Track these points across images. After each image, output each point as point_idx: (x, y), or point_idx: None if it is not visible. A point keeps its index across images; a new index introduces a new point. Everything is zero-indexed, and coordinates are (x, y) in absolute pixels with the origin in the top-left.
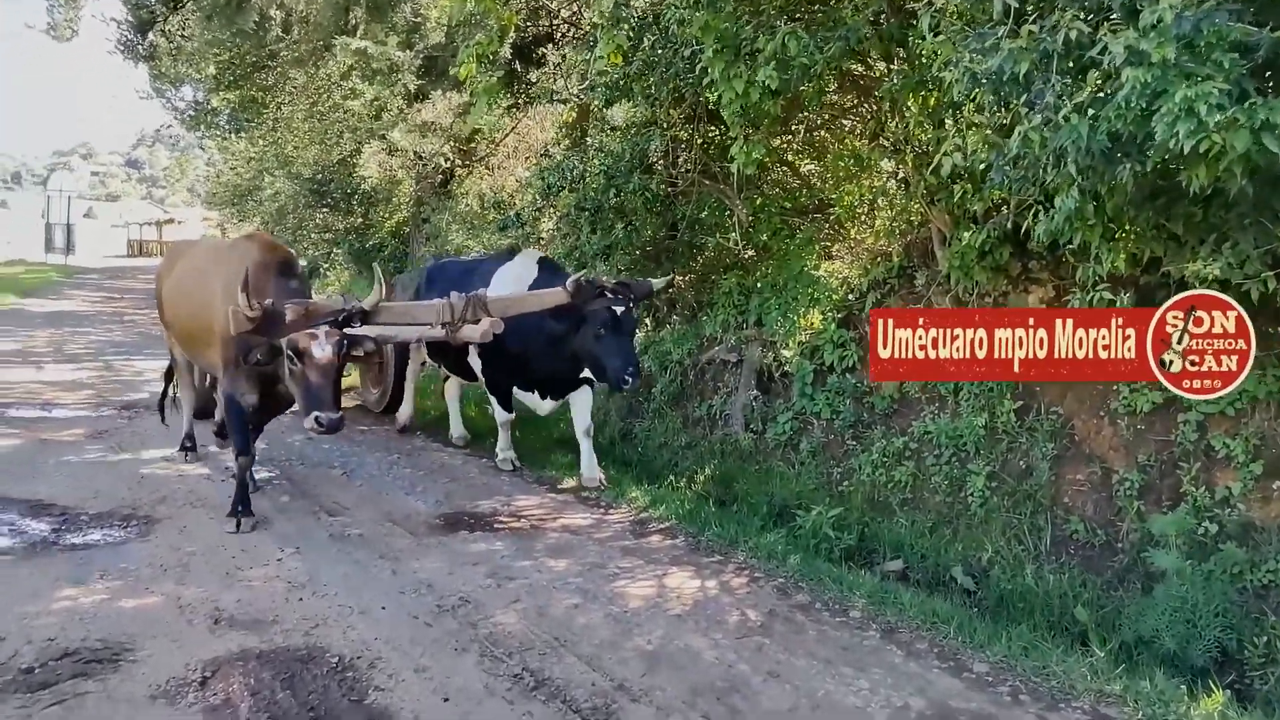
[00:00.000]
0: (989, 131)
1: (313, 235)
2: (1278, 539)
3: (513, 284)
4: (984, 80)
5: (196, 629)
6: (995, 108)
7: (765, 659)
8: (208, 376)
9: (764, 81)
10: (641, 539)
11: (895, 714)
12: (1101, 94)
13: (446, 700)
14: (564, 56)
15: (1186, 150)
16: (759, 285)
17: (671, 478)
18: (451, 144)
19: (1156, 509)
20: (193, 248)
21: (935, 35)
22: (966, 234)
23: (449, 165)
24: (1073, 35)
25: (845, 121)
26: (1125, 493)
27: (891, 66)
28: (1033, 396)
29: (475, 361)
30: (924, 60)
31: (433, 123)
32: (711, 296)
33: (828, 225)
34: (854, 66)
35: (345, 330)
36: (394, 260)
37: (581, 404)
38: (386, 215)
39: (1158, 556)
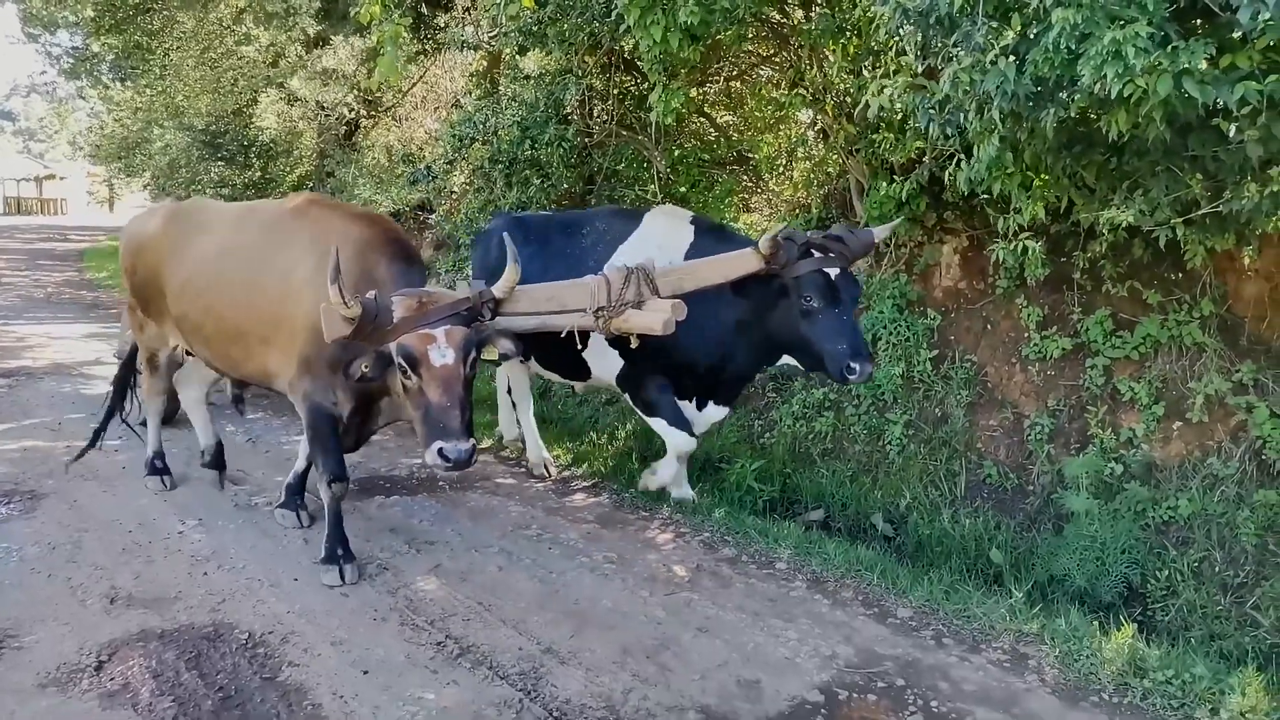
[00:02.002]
0: (913, 76)
1: (208, 191)
2: (1178, 477)
3: (656, 252)
4: (913, 19)
5: (90, 610)
6: (920, 51)
7: (694, 615)
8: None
9: (686, 22)
10: (565, 498)
11: (823, 663)
12: (1028, 37)
13: (366, 673)
14: (474, 1)
15: (1114, 93)
16: None
17: (593, 435)
18: (355, 93)
19: (1066, 452)
20: (218, 214)
21: None
22: (885, 184)
23: (354, 116)
24: None
25: (764, 70)
26: (1036, 437)
27: (810, 13)
28: (948, 345)
29: (603, 359)
30: (844, 5)
31: (335, 70)
32: None
33: (746, 177)
34: (772, 12)
35: (474, 326)
36: None
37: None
38: (287, 169)
39: (1068, 498)
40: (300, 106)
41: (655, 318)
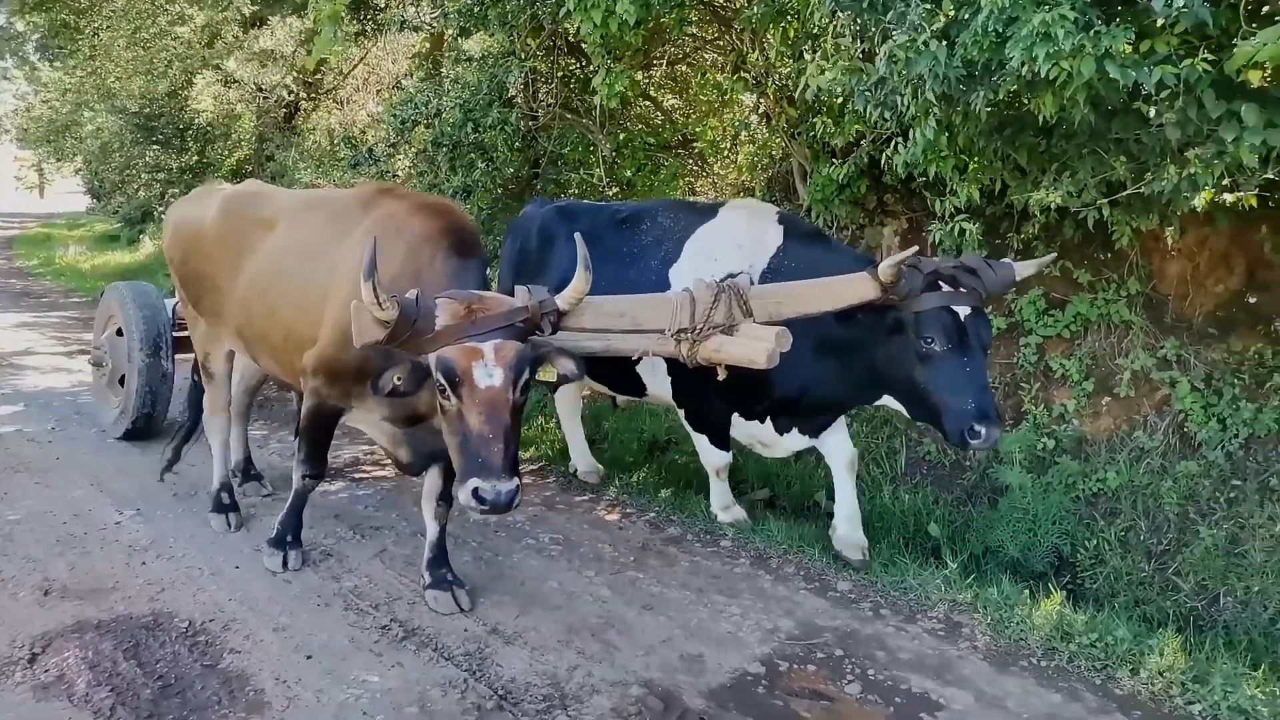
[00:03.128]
0: (850, 59)
1: (143, 176)
2: (1106, 450)
3: (734, 255)
4: (846, 4)
5: (22, 603)
6: (857, 34)
7: (639, 593)
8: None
9: (623, 13)
10: None
11: (765, 635)
12: (958, 20)
13: (309, 658)
14: None
15: (1042, 74)
16: None
17: (540, 419)
18: (295, 75)
19: (1001, 428)
20: (282, 204)
21: None
22: (826, 168)
23: (293, 98)
24: None
25: (706, 55)
26: None
27: None
28: None
29: (658, 375)
30: None
31: (273, 51)
32: None
33: (691, 160)
34: None
35: (530, 341)
36: None
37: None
38: (225, 152)
39: (1002, 472)
40: (238, 89)
41: (757, 349)
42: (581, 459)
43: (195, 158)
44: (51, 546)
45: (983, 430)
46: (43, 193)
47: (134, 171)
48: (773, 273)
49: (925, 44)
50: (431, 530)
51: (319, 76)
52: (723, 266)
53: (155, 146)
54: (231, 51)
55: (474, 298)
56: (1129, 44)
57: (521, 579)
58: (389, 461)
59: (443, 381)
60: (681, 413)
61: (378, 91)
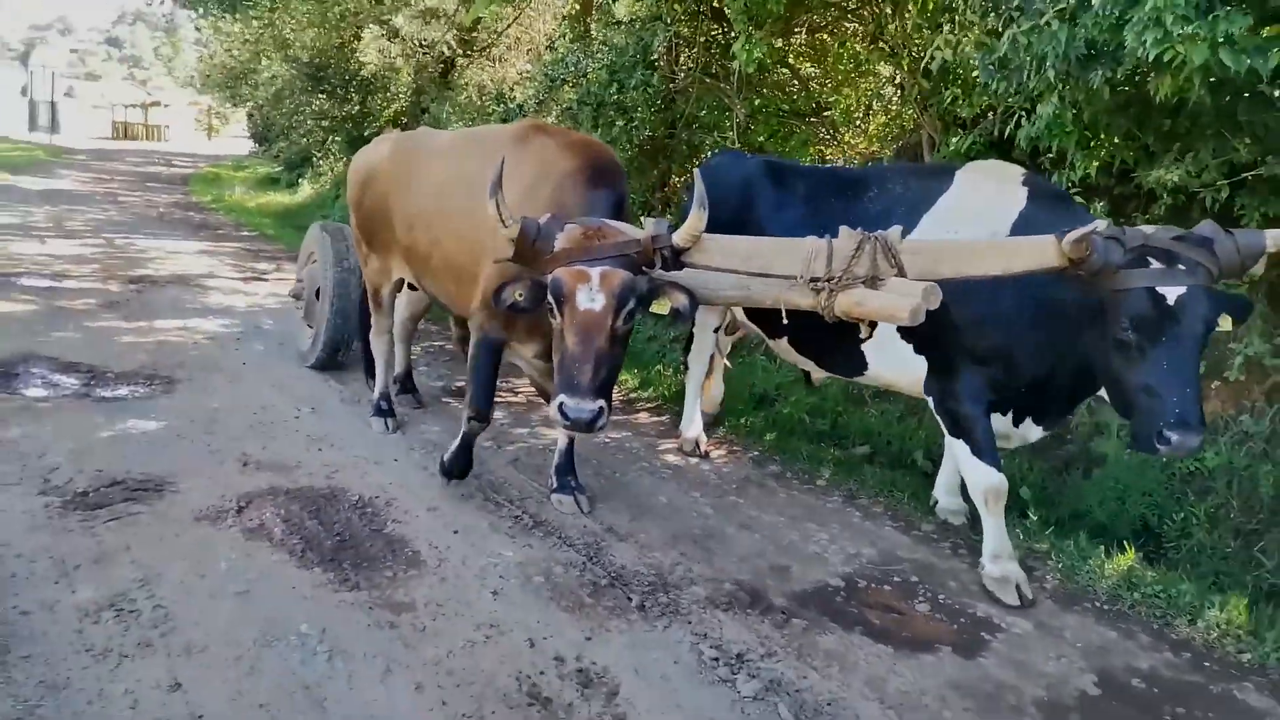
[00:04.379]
0: (979, 34)
1: (308, 122)
2: (1209, 431)
3: (973, 223)
4: None
5: (227, 470)
6: (987, 12)
7: (739, 514)
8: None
9: None
10: (629, 415)
11: (848, 559)
12: (1082, 2)
13: (456, 533)
14: None
15: (1152, 59)
16: None
17: (660, 367)
18: (454, 32)
19: (1105, 403)
20: (445, 142)
21: None
22: (954, 139)
23: (451, 54)
24: None
25: (846, 24)
26: None
27: None
28: None
29: (891, 353)
30: None
31: (436, 9)
32: None
33: (824, 128)
34: None
35: (645, 273)
36: None
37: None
38: (384, 104)
39: (1101, 444)
40: (400, 44)
41: (901, 303)
42: (689, 424)
43: (357, 107)
44: (246, 430)
45: (1174, 436)
46: (210, 135)
47: (301, 117)
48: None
49: (1048, 24)
50: (561, 441)
51: (474, 34)
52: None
53: (322, 95)
54: (399, 9)
55: (594, 225)
56: (1249, 29)
57: (635, 493)
58: (521, 391)
59: (551, 300)
60: (932, 405)
61: (528, 50)
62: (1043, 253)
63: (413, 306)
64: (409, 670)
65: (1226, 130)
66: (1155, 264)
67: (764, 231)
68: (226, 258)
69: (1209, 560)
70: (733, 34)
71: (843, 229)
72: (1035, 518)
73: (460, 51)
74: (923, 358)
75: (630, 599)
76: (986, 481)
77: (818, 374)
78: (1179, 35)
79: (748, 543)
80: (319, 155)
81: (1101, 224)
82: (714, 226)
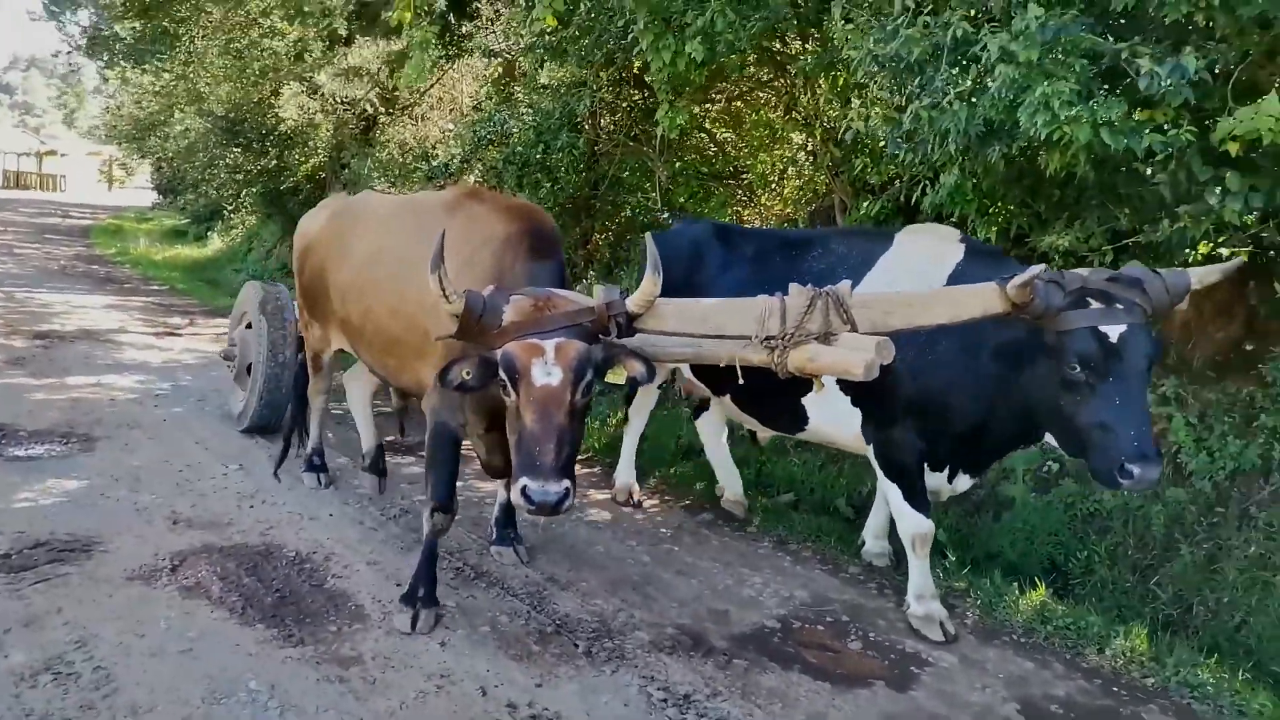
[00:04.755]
0: (886, 109)
1: (222, 175)
2: None
3: (913, 278)
4: (884, 64)
5: (157, 528)
6: (893, 90)
7: (675, 561)
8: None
9: (691, 54)
10: None
11: (782, 601)
12: (980, 85)
13: (398, 585)
14: (497, 12)
15: (1043, 138)
16: None
17: (590, 420)
18: (377, 91)
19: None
20: (377, 210)
21: (846, 21)
22: (865, 203)
23: (373, 112)
24: (959, 33)
25: (761, 94)
26: None
27: (806, 46)
28: None
29: (830, 409)
30: (835, 42)
31: (359, 67)
32: (629, 254)
33: (741, 190)
34: (773, 44)
35: (602, 342)
36: (309, 205)
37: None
38: (303, 158)
39: (1008, 488)
40: (320, 100)
41: (854, 358)
42: (730, 485)
43: (274, 161)
44: (173, 488)
45: (1136, 470)
46: (112, 186)
47: (215, 170)
48: None
49: (950, 103)
50: (500, 495)
51: (396, 93)
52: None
53: (237, 149)
54: (321, 66)
55: (543, 295)
56: (1124, 113)
57: (571, 543)
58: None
59: (504, 376)
60: (871, 454)
61: (450, 110)
62: (988, 299)
63: (371, 380)
64: None
65: (1109, 201)
66: (1095, 304)
67: (712, 291)
68: (136, 312)
69: (1110, 595)
70: (654, 100)
71: (793, 286)
72: (953, 558)
73: (383, 109)
74: (859, 410)
75: (577, 645)
76: (917, 527)
77: (763, 433)
78: (1065, 117)
79: (685, 588)
80: (230, 209)
81: (1040, 268)
82: (665, 289)
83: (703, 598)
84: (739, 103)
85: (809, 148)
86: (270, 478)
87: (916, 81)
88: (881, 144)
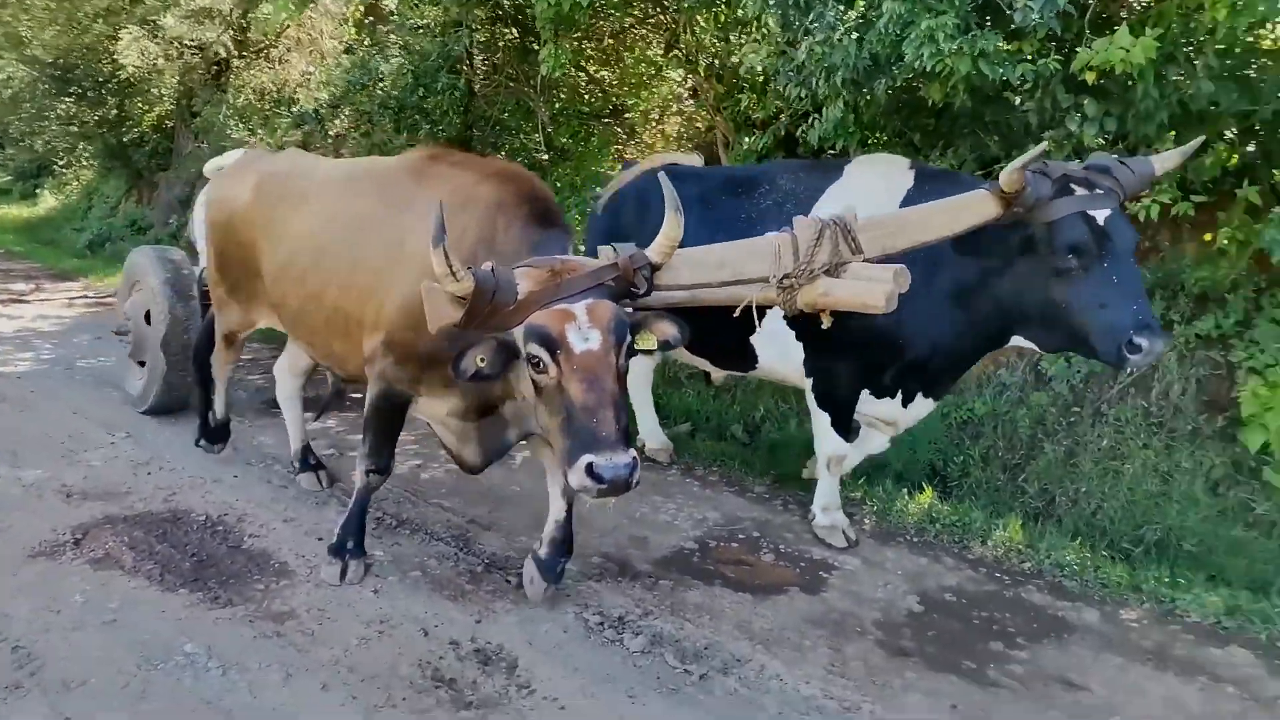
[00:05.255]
0: (776, 45)
1: (54, 128)
2: (975, 386)
3: (865, 205)
4: (773, 3)
5: (49, 503)
6: (783, 25)
7: None
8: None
9: None
10: None
11: (696, 524)
12: (867, 20)
13: (320, 540)
14: None
15: (927, 70)
16: (558, 185)
17: None
18: (229, 33)
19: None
20: (322, 177)
21: None
22: (747, 139)
23: (226, 56)
24: None
25: (641, 31)
26: None
27: None
28: None
29: (778, 345)
30: None
31: (210, 8)
32: None
33: (622, 130)
34: None
35: (630, 301)
36: (157, 157)
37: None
38: (145, 107)
39: None
40: (163, 44)
41: (873, 290)
42: (652, 435)
43: (114, 111)
44: (58, 460)
45: (1144, 342)
46: None
47: (47, 123)
48: None
49: (840, 40)
50: (557, 508)
51: (248, 35)
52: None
53: (69, 99)
54: (167, 7)
55: (556, 261)
56: (1000, 45)
57: (489, 485)
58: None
59: (536, 352)
60: (809, 387)
61: (311, 53)
62: (982, 204)
63: (302, 370)
64: (309, 673)
65: (980, 129)
66: (1080, 190)
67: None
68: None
69: (986, 492)
70: (532, 39)
71: (798, 219)
72: (848, 472)
73: (236, 53)
74: (802, 344)
75: (509, 581)
76: (835, 449)
77: (716, 373)
78: (948, 50)
79: (605, 520)
80: (62, 164)
81: (1030, 156)
82: (618, 238)
83: (622, 527)
84: (619, 41)
85: (690, 85)
86: (165, 443)
87: (809, 18)
88: (762, 79)
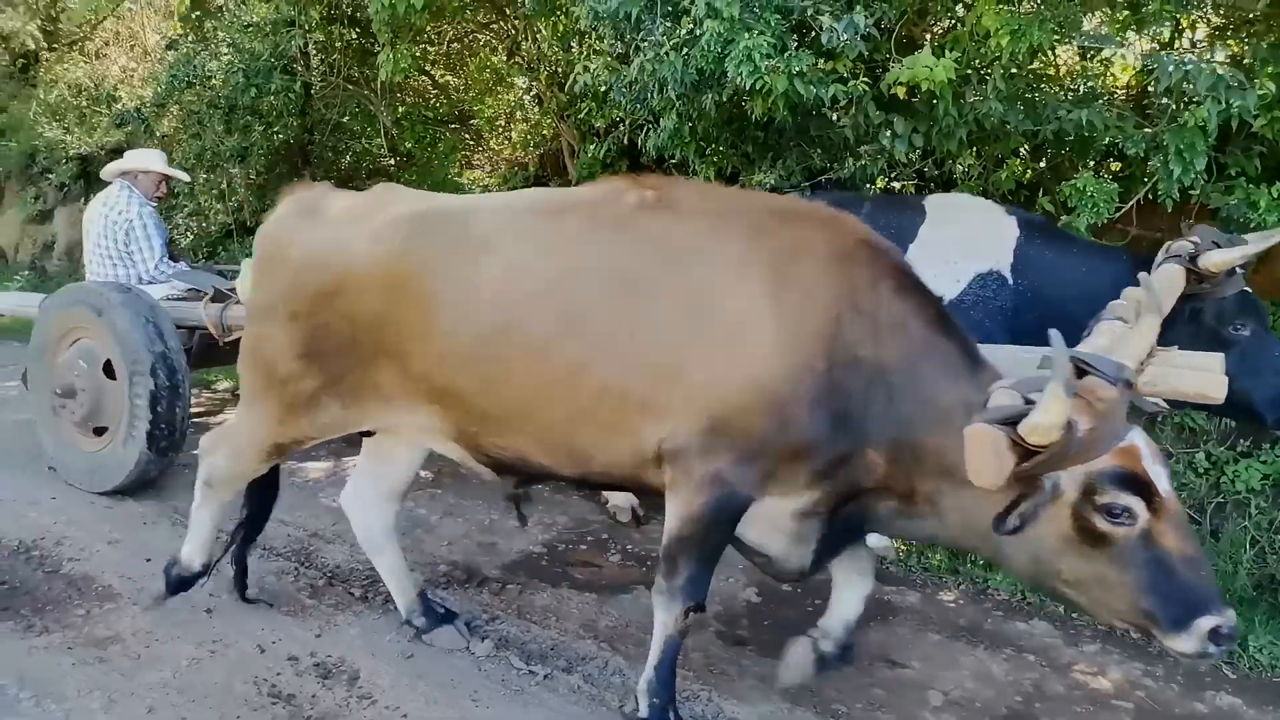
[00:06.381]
0: (610, 59)
1: None
2: None
3: (959, 256)
4: (605, 18)
5: None
6: (614, 40)
7: (441, 504)
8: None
9: None
10: None
11: (546, 528)
12: (692, 37)
13: (149, 560)
14: None
15: (747, 87)
16: None
17: None
18: (38, 23)
19: None
20: (497, 220)
21: None
22: (591, 147)
23: (35, 47)
24: None
25: (483, 37)
26: None
27: None
28: None
29: None
30: None
31: None
32: None
33: (469, 136)
34: None
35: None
36: None
37: None
38: None
39: None
40: None
41: (1213, 381)
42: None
43: None
44: None
45: None
46: None
47: None
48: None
49: (666, 54)
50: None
51: (59, 26)
52: (965, 267)
53: None
54: None
55: (1078, 359)
56: (812, 65)
57: (331, 498)
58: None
59: (1126, 502)
60: None
61: (132, 47)
62: (1177, 281)
63: (398, 489)
64: (134, 697)
65: (804, 143)
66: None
67: None
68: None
69: None
70: (371, 41)
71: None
72: None
73: (45, 45)
74: None
75: (353, 593)
76: None
77: None
78: (765, 68)
79: (453, 528)
80: None
81: (1236, 254)
82: None
83: (471, 534)
84: (462, 45)
85: (534, 92)
86: None
87: (639, 35)
88: (604, 90)
